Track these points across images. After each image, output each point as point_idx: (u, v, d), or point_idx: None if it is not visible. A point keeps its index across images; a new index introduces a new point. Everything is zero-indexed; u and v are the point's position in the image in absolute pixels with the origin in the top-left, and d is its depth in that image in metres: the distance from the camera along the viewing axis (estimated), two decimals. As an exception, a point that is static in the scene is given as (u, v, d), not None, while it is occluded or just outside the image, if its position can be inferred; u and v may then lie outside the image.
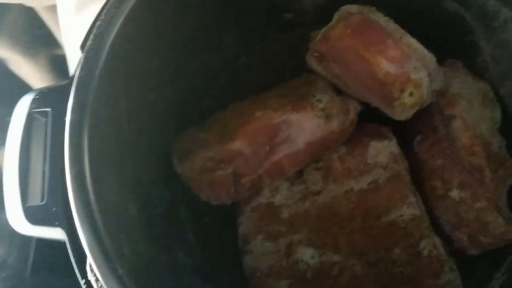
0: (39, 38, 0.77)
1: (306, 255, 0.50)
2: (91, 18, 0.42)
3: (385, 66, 0.41)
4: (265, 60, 0.60)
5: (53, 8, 0.72)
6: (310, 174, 0.52)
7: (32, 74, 0.78)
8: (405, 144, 0.52)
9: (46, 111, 0.42)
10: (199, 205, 0.52)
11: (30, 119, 0.42)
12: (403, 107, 0.43)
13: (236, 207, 0.54)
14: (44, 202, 0.40)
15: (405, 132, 0.53)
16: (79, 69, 0.38)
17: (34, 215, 0.39)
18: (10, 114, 0.42)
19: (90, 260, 0.33)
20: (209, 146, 0.49)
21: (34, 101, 0.42)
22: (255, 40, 0.59)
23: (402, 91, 0.41)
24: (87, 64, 0.38)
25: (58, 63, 0.79)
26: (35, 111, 0.42)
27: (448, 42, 0.47)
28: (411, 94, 0.41)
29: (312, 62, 0.49)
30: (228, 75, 0.59)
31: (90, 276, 0.36)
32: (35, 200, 0.40)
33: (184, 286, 0.44)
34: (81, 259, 0.38)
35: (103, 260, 0.33)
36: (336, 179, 0.51)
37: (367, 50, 0.41)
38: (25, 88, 0.83)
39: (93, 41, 0.38)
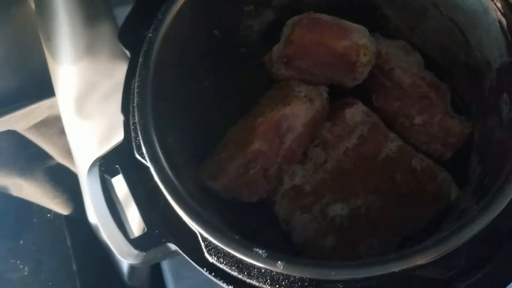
0: (30, 156, 0.84)
1: (337, 209, 0.62)
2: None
3: (340, 42, 0.57)
4: (233, 91, 0.73)
5: (35, 127, 0.81)
6: (313, 152, 0.65)
7: (34, 190, 0.86)
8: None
9: (115, 168, 0.52)
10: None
11: (104, 180, 0.52)
12: (363, 66, 0.59)
13: (267, 203, 0.66)
14: (146, 231, 0.49)
15: (362, 99, 0.69)
16: (138, 122, 0.49)
17: (142, 244, 0.49)
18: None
19: (214, 240, 0.44)
20: (234, 158, 0.61)
21: (101, 165, 0.52)
22: (223, 78, 0.73)
23: (358, 54, 0.58)
24: (141, 116, 0.50)
25: (55, 173, 0.87)
26: (106, 171, 0.52)
27: (363, 21, 0.64)
28: (364, 54, 0.58)
29: (280, 70, 0.64)
30: (210, 114, 0.72)
31: (212, 259, 0.46)
32: (138, 234, 0.50)
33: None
34: (196, 256, 0.48)
35: (222, 232, 0.44)
36: (333, 147, 0.65)
37: (324, 37, 0.58)
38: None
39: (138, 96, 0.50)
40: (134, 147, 0.51)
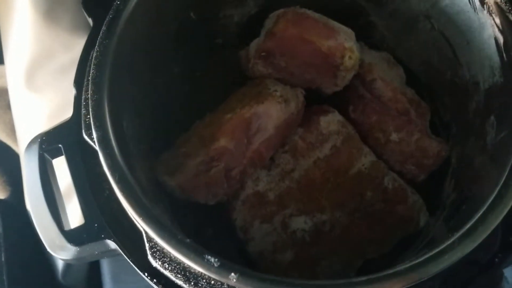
0: None
1: (300, 223, 0.58)
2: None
3: (325, 41, 0.53)
4: (205, 82, 0.68)
5: None
6: (281, 157, 0.61)
7: None
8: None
9: (58, 147, 0.45)
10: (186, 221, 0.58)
11: (43, 160, 0.46)
12: (346, 71, 0.54)
13: (227, 207, 0.60)
14: (84, 223, 0.43)
15: (338, 108, 0.65)
16: (90, 98, 0.43)
17: (77, 237, 0.43)
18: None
19: (161, 242, 0.38)
20: (195, 154, 0.56)
21: (42, 142, 0.46)
22: (195, 67, 0.67)
23: (342, 56, 0.53)
24: (95, 91, 0.44)
25: None
26: (47, 150, 0.45)
27: (351, 26, 0.60)
28: (350, 57, 0.54)
29: (257, 65, 0.59)
30: (179, 102, 0.67)
31: (156, 263, 0.40)
32: (74, 225, 0.44)
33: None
34: (137, 257, 0.42)
35: (171, 235, 0.38)
36: (303, 154, 0.60)
37: (309, 33, 0.53)
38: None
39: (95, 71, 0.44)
40: (83, 126, 0.45)
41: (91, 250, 0.42)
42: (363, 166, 0.59)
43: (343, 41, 0.54)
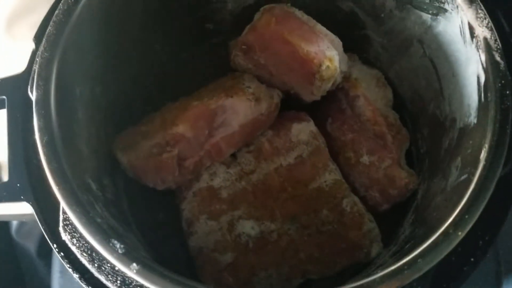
0: None
1: (247, 227, 0.55)
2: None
3: (305, 46, 0.50)
4: (191, 65, 0.66)
5: None
6: (243, 156, 0.58)
7: None
8: (318, 128, 0.61)
9: (2, 99, 0.44)
10: (139, 200, 0.57)
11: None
12: (322, 81, 0.52)
13: (177, 196, 0.58)
14: (6, 180, 0.41)
15: (317, 118, 0.62)
16: (40, 55, 0.41)
17: (-4, 194, 0.41)
18: None
19: (71, 215, 0.36)
20: (153, 135, 0.54)
21: (-13, 91, 0.44)
22: (181, 48, 0.65)
23: (320, 65, 0.51)
24: (47, 48, 0.42)
25: None
26: (-11, 100, 0.44)
27: (345, 37, 0.57)
28: (328, 67, 0.51)
29: (237, 57, 0.57)
30: (158, 81, 0.65)
31: (65, 236, 0.38)
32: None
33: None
34: (51, 226, 0.40)
35: (83, 212, 0.36)
36: (266, 158, 0.58)
37: (290, 34, 0.50)
38: None
39: (52, 28, 0.42)
40: (29, 82, 0.43)
41: (7, 209, 0.41)
42: (325, 183, 0.56)
43: (325, 49, 0.51)
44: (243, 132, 0.55)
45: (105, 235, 0.36)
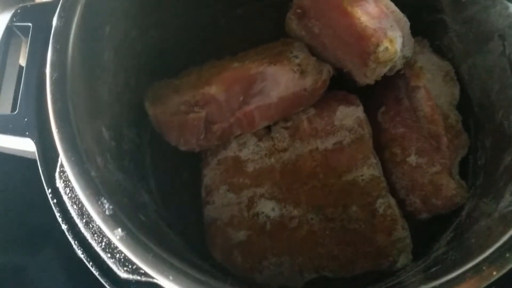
0: None
1: (267, 208, 0.51)
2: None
3: (365, 20, 0.43)
4: (243, 24, 0.61)
5: None
6: (278, 132, 0.54)
7: None
8: (368, 115, 0.55)
9: (27, 26, 0.41)
10: (164, 156, 0.53)
11: (10, 32, 0.42)
12: (377, 63, 0.45)
13: (202, 159, 0.55)
14: (15, 112, 0.39)
15: (369, 104, 0.55)
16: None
17: (2, 124, 0.39)
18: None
19: (65, 163, 0.33)
20: (184, 91, 0.50)
21: (15, 14, 0.42)
22: (235, 5, 0.60)
23: (378, 45, 0.44)
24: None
25: None
26: (15, 25, 0.41)
27: (419, 20, 0.50)
28: (386, 49, 0.44)
29: (292, 21, 0.51)
30: (204, 34, 0.61)
31: (59, 183, 0.36)
32: (5, 109, 0.40)
33: (148, 221, 0.43)
34: (49, 169, 0.38)
35: (78, 161, 0.33)
36: (302, 138, 0.53)
37: (351, 3, 0.44)
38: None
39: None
40: (57, 10, 0.40)
41: (11, 143, 0.39)
42: (361, 177, 0.51)
43: (387, 28, 0.44)
44: (281, 105, 0.50)
45: (95, 191, 0.33)
